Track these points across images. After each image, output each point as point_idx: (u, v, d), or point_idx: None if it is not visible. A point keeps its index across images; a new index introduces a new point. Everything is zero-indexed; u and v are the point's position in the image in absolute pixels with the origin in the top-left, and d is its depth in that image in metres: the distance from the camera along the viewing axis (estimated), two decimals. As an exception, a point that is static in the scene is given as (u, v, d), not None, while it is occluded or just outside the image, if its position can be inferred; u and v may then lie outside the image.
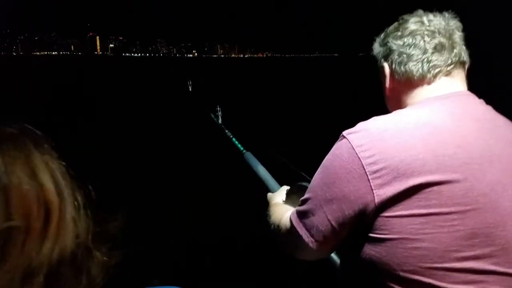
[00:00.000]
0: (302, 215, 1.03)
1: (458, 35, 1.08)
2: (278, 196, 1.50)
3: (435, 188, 0.87)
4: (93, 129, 10.31)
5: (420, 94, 1.06)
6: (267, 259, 3.77)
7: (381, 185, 0.89)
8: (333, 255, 1.55)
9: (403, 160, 0.88)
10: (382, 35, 1.16)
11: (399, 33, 1.09)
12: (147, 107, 14.82)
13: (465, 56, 1.08)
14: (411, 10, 1.16)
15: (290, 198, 1.44)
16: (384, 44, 1.13)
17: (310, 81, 30.43)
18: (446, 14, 1.09)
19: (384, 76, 1.13)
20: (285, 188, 1.54)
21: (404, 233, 0.89)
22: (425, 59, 1.05)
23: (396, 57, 1.08)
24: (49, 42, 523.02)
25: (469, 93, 1.05)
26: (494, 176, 0.90)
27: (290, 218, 1.07)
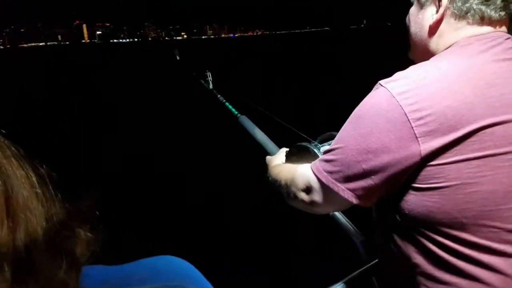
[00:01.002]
0: (329, 171, 0.95)
1: None
2: (278, 158, 1.44)
3: (488, 130, 0.83)
4: (91, 118, 10.26)
5: (473, 31, 0.98)
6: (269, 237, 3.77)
7: (427, 133, 0.83)
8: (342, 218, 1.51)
9: (450, 105, 0.83)
10: None
11: None
12: (141, 88, 14.76)
13: None
14: None
15: (290, 159, 1.39)
16: None
17: (302, 54, 30.27)
18: None
19: (438, 3, 1.01)
20: (284, 149, 1.49)
21: (462, 179, 0.84)
22: (493, 5, 0.96)
23: None
24: (35, 33, 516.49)
25: (509, 35, 0.98)
26: None
27: (315, 173, 0.99)
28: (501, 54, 0.92)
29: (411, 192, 0.89)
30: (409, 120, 0.84)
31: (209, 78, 2.04)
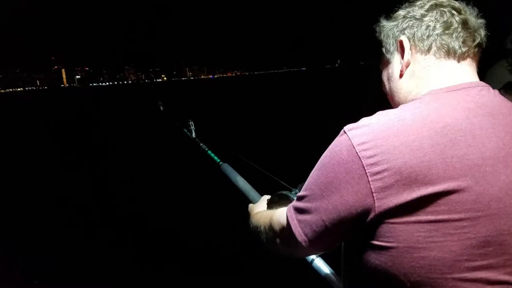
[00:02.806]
0: (297, 212, 0.97)
1: (480, 20, 1.00)
2: (260, 206, 1.46)
3: (443, 194, 0.80)
4: (71, 163, 10.05)
5: (442, 71, 0.97)
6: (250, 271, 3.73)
7: (382, 189, 0.82)
8: (320, 260, 1.53)
9: (407, 162, 0.81)
10: (393, 13, 1.06)
11: (418, 7, 1.01)
12: (122, 131, 14.63)
13: (485, 39, 0.99)
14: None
15: (271, 207, 1.41)
16: (401, 18, 1.03)
17: (280, 94, 30.73)
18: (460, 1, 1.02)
19: (402, 50, 1.02)
20: (266, 197, 1.51)
21: (411, 242, 0.82)
22: (455, 33, 0.96)
23: (420, 27, 0.99)
24: (13, 79, 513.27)
25: (483, 84, 0.96)
26: (509, 178, 0.83)
27: (286, 214, 1.01)
28: (473, 109, 0.88)
29: (367, 247, 0.88)
30: (366, 174, 0.83)
31: (192, 127, 2.10)
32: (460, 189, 0.80)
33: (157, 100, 2.28)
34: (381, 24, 1.08)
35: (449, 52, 0.97)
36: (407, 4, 1.05)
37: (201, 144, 2.00)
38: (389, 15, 1.07)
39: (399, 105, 1.02)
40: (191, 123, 2.07)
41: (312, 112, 14.32)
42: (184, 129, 2.11)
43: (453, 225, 0.80)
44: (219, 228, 4.51)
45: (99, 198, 6.59)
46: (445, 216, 0.80)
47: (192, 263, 4.15)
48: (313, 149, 1.37)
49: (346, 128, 0.90)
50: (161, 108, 2.29)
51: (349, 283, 1.01)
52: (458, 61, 0.97)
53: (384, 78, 1.10)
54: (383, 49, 1.08)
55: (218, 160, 1.90)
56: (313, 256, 1.47)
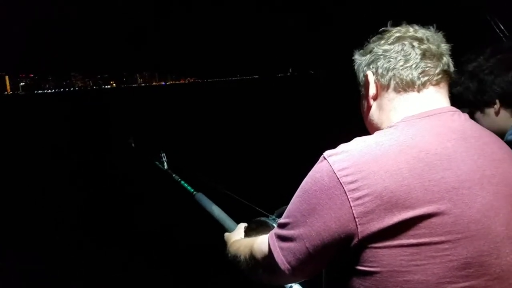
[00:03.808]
0: (280, 240, 0.97)
1: (445, 45, 1.03)
2: (236, 235, 1.46)
3: (424, 217, 0.81)
4: (11, 181, 9.30)
5: (406, 102, 1.00)
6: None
7: (364, 213, 0.83)
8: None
9: (387, 186, 0.82)
10: (365, 46, 1.10)
11: (384, 40, 1.04)
12: (73, 148, 13.89)
13: (452, 67, 1.03)
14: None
15: (249, 235, 1.40)
16: (368, 51, 1.07)
17: (239, 104, 30.51)
18: (431, 27, 1.05)
19: (368, 84, 1.06)
20: (243, 225, 1.51)
21: (394, 266, 0.83)
22: (414, 65, 0.99)
23: (382, 62, 1.02)
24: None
25: (454, 109, 0.99)
26: (485, 200, 0.85)
27: (268, 242, 1.01)
28: (446, 134, 0.91)
29: (350, 272, 0.89)
30: (348, 199, 0.84)
31: (164, 159, 2.11)
32: (439, 212, 0.81)
33: (128, 137, 2.26)
34: (354, 58, 1.13)
35: (408, 85, 1.00)
36: (376, 36, 1.08)
37: (174, 175, 2.00)
38: (361, 48, 1.11)
39: (374, 132, 1.05)
40: (163, 154, 2.08)
41: (277, 128, 14.15)
42: (156, 162, 2.12)
43: (434, 248, 0.81)
44: (195, 257, 4.45)
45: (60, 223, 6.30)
46: (427, 239, 0.81)
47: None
48: (288, 173, 1.40)
49: (325, 154, 0.91)
50: (132, 145, 2.27)
51: None
52: (419, 92, 1.00)
53: (361, 109, 1.15)
54: (358, 81, 1.12)
55: (192, 190, 1.90)
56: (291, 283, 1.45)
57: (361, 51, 1.11)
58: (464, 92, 1.54)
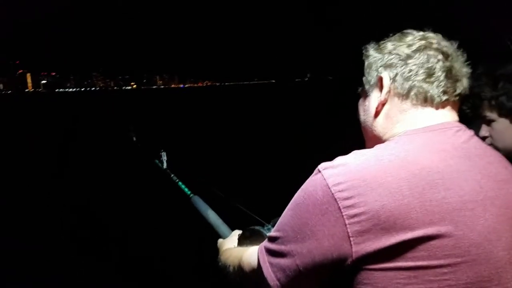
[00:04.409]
0: (269, 254, 0.93)
1: (466, 68, 0.99)
2: (230, 242, 1.44)
3: (423, 240, 0.78)
4: (29, 177, 9.57)
5: (419, 116, 0.95)
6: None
7: (359, 233, 0.79)
8: None
9: (385, 205, 0.78)
10: (382, 43, 1.03)
11: (406, 45, 0.98)
12: (86, 147, 14.12)
13: (467, 89, 0.99)
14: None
15: (243, 243, 1.39)
16: (387, 52, 1.00)
17: (254, 111, 30.60)
18: (453, 42, 1.01)
19: (381, 87, 1.00)
20: (237, 232, 1.49)
21: None
22: (437, 82, 0.94)
23: (403, 68, 0.96)
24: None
25: (459, 124, 0.96)
26: (488, 222, 0.81)
27: (258, 256, 0.97)
28: (450, 151, 0.87)
29: None
30: (343, 216, 0.80)
31: (163, 158, 2.07)
32: (440, 234, 0.78)
33: (129, 130, 2.24)
34: (367, 52, 1.05)
35: (427, 100, 0.95)
36: (398, 36, 1.01)
37: (172, 175, 1.98)
38: (378, 43, 1.04)
39: (372, 140, 1.03)
40: (163, 153, 2.05)
41: (290, 135, 14.17)
42: (156, 160, 2.08)
43: (433, 272, 0.78)
44: (188, 265, 4.45)
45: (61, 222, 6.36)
46: (425, 263, 0.78)
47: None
48: (290, 181, 1.36)
49: (320, 166, 0.87)
50: (134, 139, 2.24)
51: None
52: (436, 109, 0.95)
53: (360, 108, 1.08)
54: (364, 79, 1.05)
55: (189, 193, 1.88)
56: None
57: (377, 47, 1.03)
58: (500, 97, 1.49)
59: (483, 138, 1.56)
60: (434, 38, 0.98)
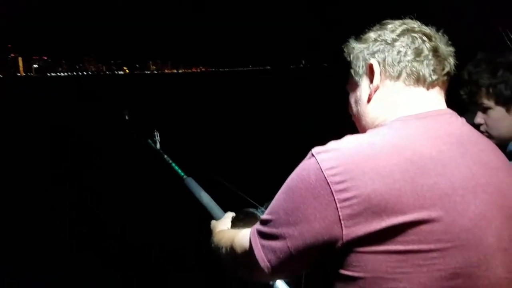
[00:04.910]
0: (261, 237, 0.93)
1: (450, 48, 1.00)
2: (223, 224, 1.42)
3: (413, 224, 0.78)
4: (20, 158, 9.56)
5: (412, 98, 0.96)
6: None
7: (351, 216, 0.79)
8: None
9: (376, 189, 0.78)
10: (363, 35, 1.04)
11: (389, 31, 0.99)
12: (79, 130, 14.10)
13: (454, 68, 0.99)
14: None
15: (236, 225, 1.38)
16: (371, 40, 1.00)
17: (248, 96, 30.61)
18: (432, 27, 1.01)
19: (371, 74, 1.00)
20: (230, 214, 1.48)
21: (379, 272, 0.80)
22: (426, 61, 0.95)
23: (391, 52, 0.97)
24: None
25: (451, 111, 0.96)
26: (478, 209, 0.82)
27: (250, 238, 0.97)
28: (442, 137, 0.88)
29: (333, 276, 0.86)
30: (335, 200, 0.80)
31: (156, 138, 2.04)
32: (430, 219, 0.78)
33: (122, 108, 2.21)
34: (350, 45, 1.05)
35: (419, 80, 0.96)
36: (377, 26, 1.02)
37: (165, 156, 1.95)
38: (358, 37, 1.05)
39: (365, 129, 1.02)
40: (156, 133, 2.02)
41: (283, 120, 14.22)
42: (149, 140, 2.05)
43: (422, 256, 0.78)
44: (179, 242, 4.46)
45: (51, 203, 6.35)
46: (415, 247, 0.78)
47: (152, 277, 4.09)
48: (284, 164, 1.36)
49: (314, 151, 0.87)
50: (126, 117, 2.21)
51: None
52: (427, 89, 0.96)
53: (352, 100, 1.08)
54: (352, 71, 1.05)
55: (182, 174, 1.85)
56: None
57: (359, 39, 1.04)
58: (499, 85, 1.48)
59: (478, 125, 1.55)
60: (414, 23, 1.00)
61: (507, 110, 1.49)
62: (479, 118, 1.56)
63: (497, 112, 1.51)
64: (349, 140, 0.88)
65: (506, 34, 2.02)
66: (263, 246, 0.92)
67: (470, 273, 0.80)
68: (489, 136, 1.52)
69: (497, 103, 1.50)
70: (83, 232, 5.13)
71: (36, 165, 9.02)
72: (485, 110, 1.54)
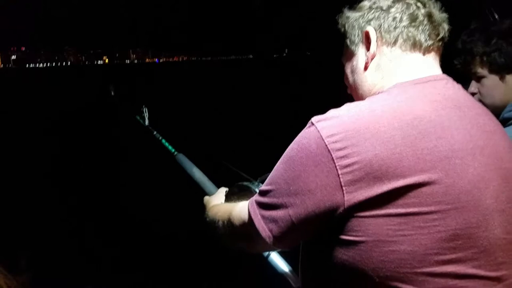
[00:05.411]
0: (261, 208, 0.93)
1: (443, 14, 1.02)
2: (217, 199, 1.42)
3: (414, 187, 0.80)
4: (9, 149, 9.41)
5: (409, 63, 0.97)
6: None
7: (352, 182, 0.81)
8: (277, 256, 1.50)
9: (378, 154, 0.80)
10: (357, 4, 1.05)
11: None
12: (64, 116, 14.00)
13: (448, 33, 1.02)
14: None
15: (230, 199, 1.38)
16: (366, 8, 1.01)
17: (229, 83, 30.70)
18: None
19: (368, 42, 1.01)
20: (223, 189, 1.49)
21: (380, 235, 0.81)
22: (421, 26, 0.97)
23: (387, 18, 0.98)
24: None
25: (447, 77, 0.98)
26: (477, 171, 0.84)
27: (248, 209, 0.97)
28: (440, 101, 0.89)
29: (333, 242, 0.86)
30: (336, 167, 0.82)
31: (145, 114, 1.99)
32: (430, 182, 0.80)
33: (108, 84, 2.14)
34: (344, 15, 1.06)
35: (415, 45, 0.97)
36: None
37: (155, 133, 1.91)
38: (352, 6, 1.05)
39: (362, 98, 1.02)
40: (145, 109, 1.97)
41: (268, 101, 14.45)
42: (137, 116, 2.00)
43: (423, 218, 0.80)
44: (172, 221, 4.47)
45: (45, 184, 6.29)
46: (415, 209, 0.80)
47: (145, 257, 4.11)
48: (274, 139, 1.35)
49: (314, 119, 0.87)
50: (112, 93, 2.15)
51: (310, 278, 0.98)
52: (424, 54, 0.97)
53: (348, 70, 1.08)
54: (347, 41, 1.05)
55: (173, 150, 1.83)
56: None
57: (353, 8, 1.05)
58: (492, 54, 1.49)
59: (472, 95, 1.57)
60: None
61: (501, 78, 1.51)
62: (473, 87, 1.58)
63: (491, 81, 1.52)
64: (349, 108, 0.89)
65: (489, 12, 2.05)
66: (263, 217, 0.92)
67: (470, 234, 0.82)
68: (483, 105, 1.54)
69: (491, 71, 1.52)
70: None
71: (25, 158, 8.92)
72: (479, 79, 1.56)
